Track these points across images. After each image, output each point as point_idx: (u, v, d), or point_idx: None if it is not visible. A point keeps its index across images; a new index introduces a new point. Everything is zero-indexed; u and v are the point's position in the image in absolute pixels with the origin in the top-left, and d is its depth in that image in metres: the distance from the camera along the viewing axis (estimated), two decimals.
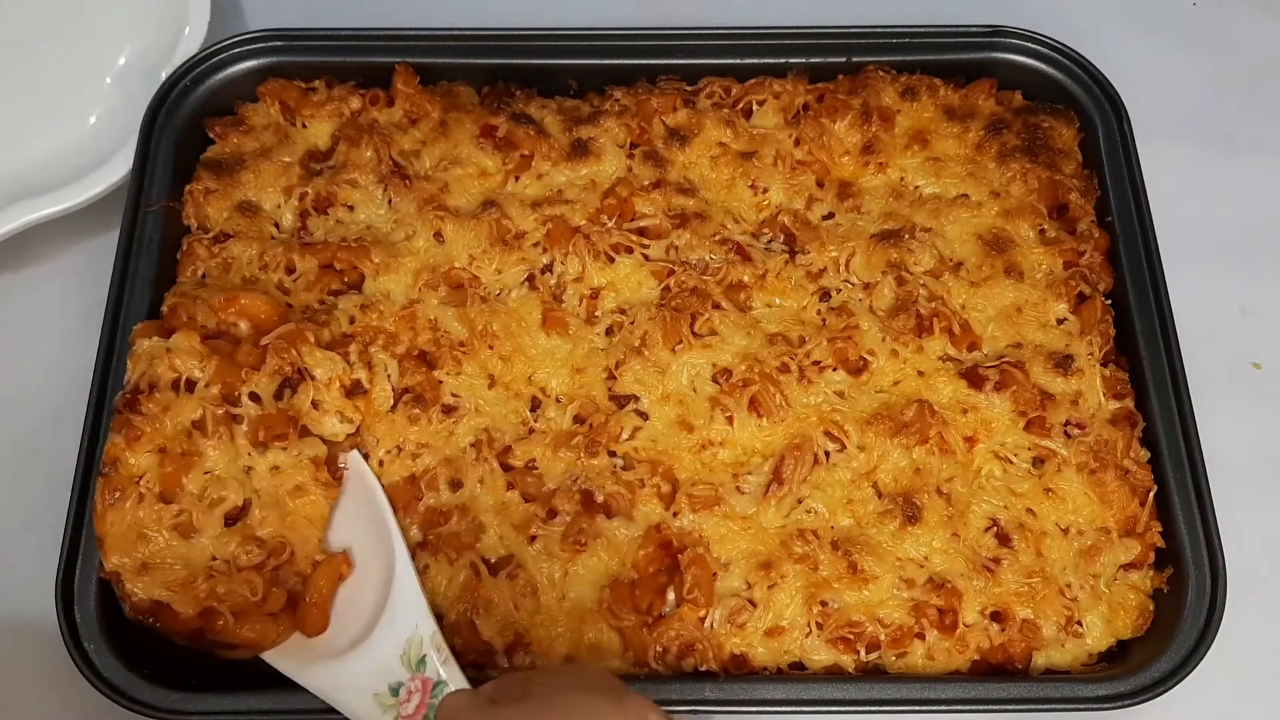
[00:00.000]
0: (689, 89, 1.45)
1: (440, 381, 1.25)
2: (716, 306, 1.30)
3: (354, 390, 1.22)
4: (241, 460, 1.17)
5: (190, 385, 1.17)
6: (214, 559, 1.14)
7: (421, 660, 1.08)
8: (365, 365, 1.23)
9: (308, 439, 1.19)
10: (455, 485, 1.21)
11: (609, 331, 1.30)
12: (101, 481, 1.14)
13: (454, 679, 1.07)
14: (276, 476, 1.18)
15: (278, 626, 1.14)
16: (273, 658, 1.14)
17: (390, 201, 1.36)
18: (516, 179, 1.39)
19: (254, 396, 1.19)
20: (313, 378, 1.20)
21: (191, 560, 1.13)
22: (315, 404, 1.20)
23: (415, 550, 1.18)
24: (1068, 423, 1.25)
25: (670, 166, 1.40)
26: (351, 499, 1.20)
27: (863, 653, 1.16)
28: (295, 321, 1.23)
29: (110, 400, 1.21)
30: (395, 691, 1.07)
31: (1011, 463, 1.23)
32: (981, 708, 1.13)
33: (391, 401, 1.23)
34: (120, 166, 1.38)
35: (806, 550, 1.18)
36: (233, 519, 1.16)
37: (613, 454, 1.23)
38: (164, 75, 1.42)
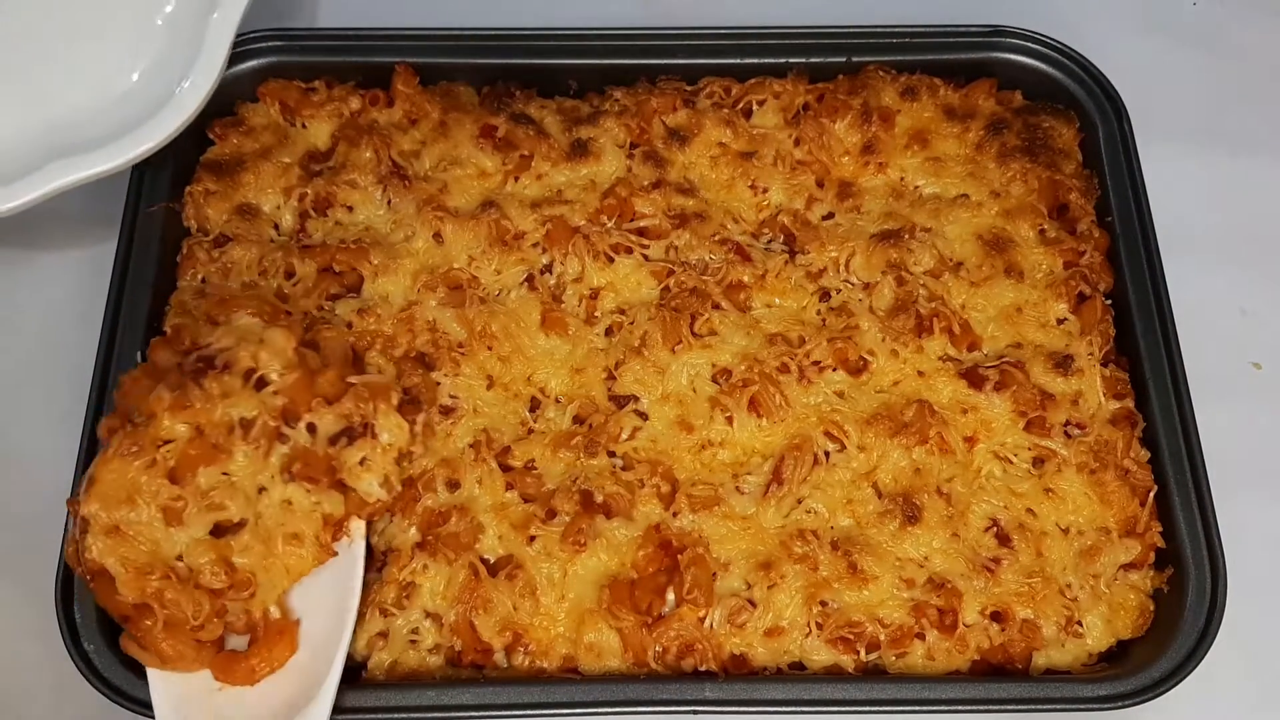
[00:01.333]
0: (689, 89, 1.45)
1: (438, 383, 1.25)
2: (716, 306, 1.30)
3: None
4: (262, 478, 1.12)
5: (261, 383, 1.11)
6: (180, 559, 1.08)
7: None
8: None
9: (332, 493, 1.14)
10: (453, 486, 1.21)
11: (608, 332, 1.30)
12: (130, 430, 1.08)
13: None
14: (284, 512, 1.13)
15: (198, 656, 1.09)
16: (159, 694, 1.08)
17: (390, 202, 1.36)
18: (516, 179, 1.39)
19: (311, 428, 1.14)
20: (375, 436, 1.16)
21: (159, 549, 1.07)
22: (363, 461, 1.16)
23: (414, 551, 1.18)
24: (1068, 423, 1.25)
25: (670, 166, 1.39)
26: (333, 573, 1.15)
27: (863, 653, 1.16)
28: (390, 377, 1.21)
29: (110, 396, 1.20)
30: None
31: (1011, 463, 1.23)
32: (981, 708, 1.13)
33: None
34: (170, 121, 1.27)
35: (806, 550, 1.18)
36: (219, 531, 1.11)
37: (612, 454, 1.23)
38: (214, 17, 1.30)
